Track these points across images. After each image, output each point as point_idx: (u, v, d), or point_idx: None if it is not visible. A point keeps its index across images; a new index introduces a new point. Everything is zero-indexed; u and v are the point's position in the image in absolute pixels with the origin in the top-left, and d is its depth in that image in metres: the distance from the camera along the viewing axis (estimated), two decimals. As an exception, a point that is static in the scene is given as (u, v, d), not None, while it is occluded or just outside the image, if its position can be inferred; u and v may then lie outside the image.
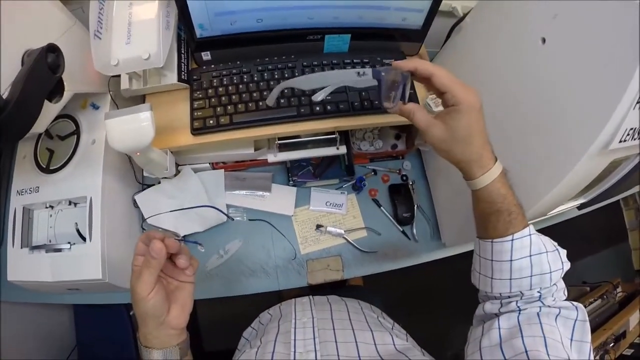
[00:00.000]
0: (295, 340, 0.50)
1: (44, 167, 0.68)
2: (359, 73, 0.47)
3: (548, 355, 0.39)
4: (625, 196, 1.81)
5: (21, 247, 0.66)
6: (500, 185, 0.45)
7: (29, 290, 0.70)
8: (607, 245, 2.17)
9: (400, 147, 0.88)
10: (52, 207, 0.69)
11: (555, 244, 0.49)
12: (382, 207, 0.87)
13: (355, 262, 0.83)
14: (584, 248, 2.04)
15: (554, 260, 0.47)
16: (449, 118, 0.45)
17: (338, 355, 0.46)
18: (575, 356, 0.43)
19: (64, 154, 0.68)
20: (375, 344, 0.50)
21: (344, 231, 0.83)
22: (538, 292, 0.47)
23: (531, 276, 0.46)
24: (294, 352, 0.47)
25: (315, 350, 0.47)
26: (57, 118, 0.68)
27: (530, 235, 0.46)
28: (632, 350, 1.59)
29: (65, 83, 0.59)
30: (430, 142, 0.48)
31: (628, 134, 0.44)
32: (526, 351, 0.40)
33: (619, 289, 1.83)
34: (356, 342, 0.49)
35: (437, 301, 1.75)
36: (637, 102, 0.41)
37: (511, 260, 0.46)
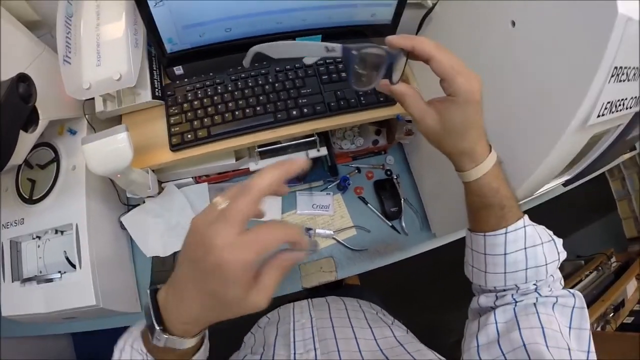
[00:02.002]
0: (294, 342, 0.49)
1: (27, 197, 0.67)
2: (327, 48, 0.40)
3: (547, 346, 0.39)
4: (611, 167, 1.84)
5: (12, 281, 0.65)
6: (492, 178, 0.43)
7: (25, 324, 0.69)
8: (597, 217, 2.20)
9: (382, 142, 0.88)
10: (39, 237, 0.68)
11: (551, 233, 0.47)
12: (369, 204, 0.87)
13: (348, 262, 0.83)
14: (575, 222, 2.06)
15: (549, 251, 0.45)
16: (444, 109, 0.40)
17: (338, 352, 0.45)
18: (575, 344, 0.42)
19: (45, 182, 0.67)
20: (375, 339, 0.50)
21: (333, 232, 0.83)
22: (534, 284, 0.45)
23: (526, 269, 0.45)
24: (294, 353, 0.47)
25: (315, 349, 0.46)
26: (35, 147, 0.68)
27: (524, 227, 0.44)
28: (633, 318, 1.61)
29: (39, 111, 0.59)
30: (421, 131, 0.44)
31: (606, 108, 0.44)
32: (524, 344, 0.39)
33: (613, 259, 1.86)
34: (356, 338, 0.49)
35: (435, 290, 1.77)
36: (612, 76, 0.42)
37: (505, 254, 0.45)
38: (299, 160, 0.33)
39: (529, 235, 0.44)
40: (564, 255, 0.46)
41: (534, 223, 0.46)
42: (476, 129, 0.41)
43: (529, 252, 0.44)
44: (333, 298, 0.67)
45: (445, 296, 1.67)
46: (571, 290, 0.45)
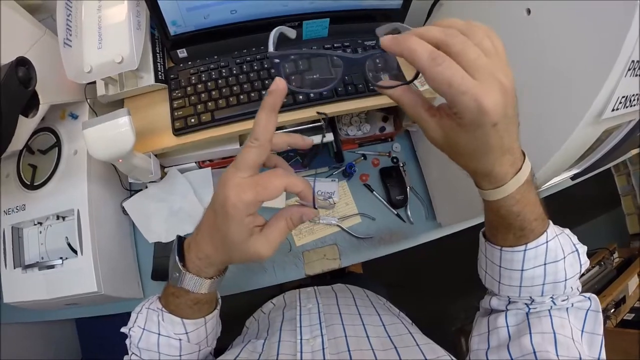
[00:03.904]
0: (301, 327, 0.48)
1: (28, 183, 0.66)
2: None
3: (557, 355, 0.37)
4: (617, 162, 1.83)
5: (14, 268, 0.65)
6: (514, 202, 0.36)
7: (27, 310, 0.69)
8: (600, 211, 2.19)
9: (389, 129, 0.87)
10: (40, 223, 0.68)
11: (575, 240, 0.43)
12: (374, 192, 0.87)
13: (352, 249, 0.82)
14: (578, 216, 2.05)
15: (571, 264, 0.41)
16: (449, 127, 0.32)
17: (346, 337, 0.45)
18: (586, 349, 0.40)
19: (47, 168, 0.67)
20: (383, 325, 0.49)
21: (338, 219, 0.82)
22: (550, 298, 0.43)
23: (544, 284, 0.42)
24: (300, 339, 0.46)
25: (322, 335, 0.45)
26: (36, 132, 0.68)
27: (547, 242, 0.40)
28: (633, 315, 1.60)
29: (39, 96, 0.58)
30: (427, 139, 0.36)
31: (620, 102, 0.43)
32: (534, 352, 0.38)
33: (615, 255, 1.85)
34: (364, 324, 0.48)
35: (438, 280, 1.77)
36: (629, 70, 0.40)
37: (522, 270, 0.41)
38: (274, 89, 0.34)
39: (551, 250, 0.40)
40: (586, 265, 0.43)
41: (557, 231, 0.42)
42: (493, 152, 0.32)
43: (548, 267, 0.41)
44: (339, 286, 0.66)
45: (448, 285, 1.68)
46: (587, 295, 0.44)
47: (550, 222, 0.41)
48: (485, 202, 0.38)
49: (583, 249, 0.43)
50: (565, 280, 0.41)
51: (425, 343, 0.44)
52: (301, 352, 0.43)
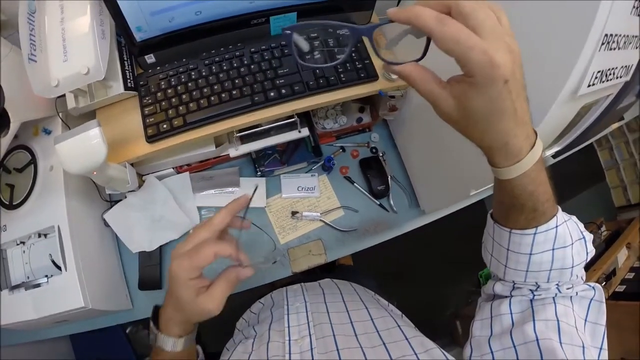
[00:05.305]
0: (289, 327, 0.49)
1: (7, 203, 0.66)
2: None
3: (561, 343, 0.38)
4: (599, 137, 1.85)
5: (1, 290, 0.64)
6: (529, 181, 0.36)
7: (18, 331, 0.68)
8: (585, 186, 2.22)
9: (366, 119, 0.87)
10: (23, 242, 0.67)
11: (582, 227, 0.44)
12: (355, 184, 0.86)
13: (337, 243, 0.82)
14: (564, 192, 2.08)
15: (578, 251, 0.42)
16: (461, 93, 0.32)
17: (334, 336, 0.45)
18: (589, 339, 0.41)
19: (24, 186, 0.66)
20: (372, 319, 0.49)
21: (320, 214, 0.82)
22: (556, 285, 0.43)
23: (551, 270, 0.42)
24: (289, 339, 0.46)
25: (310, 335, 0.46)
26: (10, 151, 0.67)
27: (556, 227, 0.40)
28: (625, 286, 1.62)
29: (9, 114, 0.57)
30: (440, 117, 0.36)
31: (596, 78, 0.43)
32: (537, 339, 0.38)
33: (603, 228, 1.87)
34: (352, 322, 0.49)
35: (428, 266, 1.78)
36: (602, 44, 0.40)
37: (530, 254, 0.41)
38: (241, 199, 0.47)
39: (560, 235, 0.40)
40: (592, 253, 0.43)
41: (566, 217, 0.42)
42: (508, 118, 0.32)
43: (556, 253, 0.41)
44: (326, 282, 0.66)
45: (439, 271, 1.69)
46: (591, 284, 0.44)
47: (559, 207, 0.41)
48: (498, 182, 0.39)
49: (589, 237, 0.44)
50: (572, 267, 0.42)
51: (414, 336, 0.45)
52: (290, 353, 0.44)
